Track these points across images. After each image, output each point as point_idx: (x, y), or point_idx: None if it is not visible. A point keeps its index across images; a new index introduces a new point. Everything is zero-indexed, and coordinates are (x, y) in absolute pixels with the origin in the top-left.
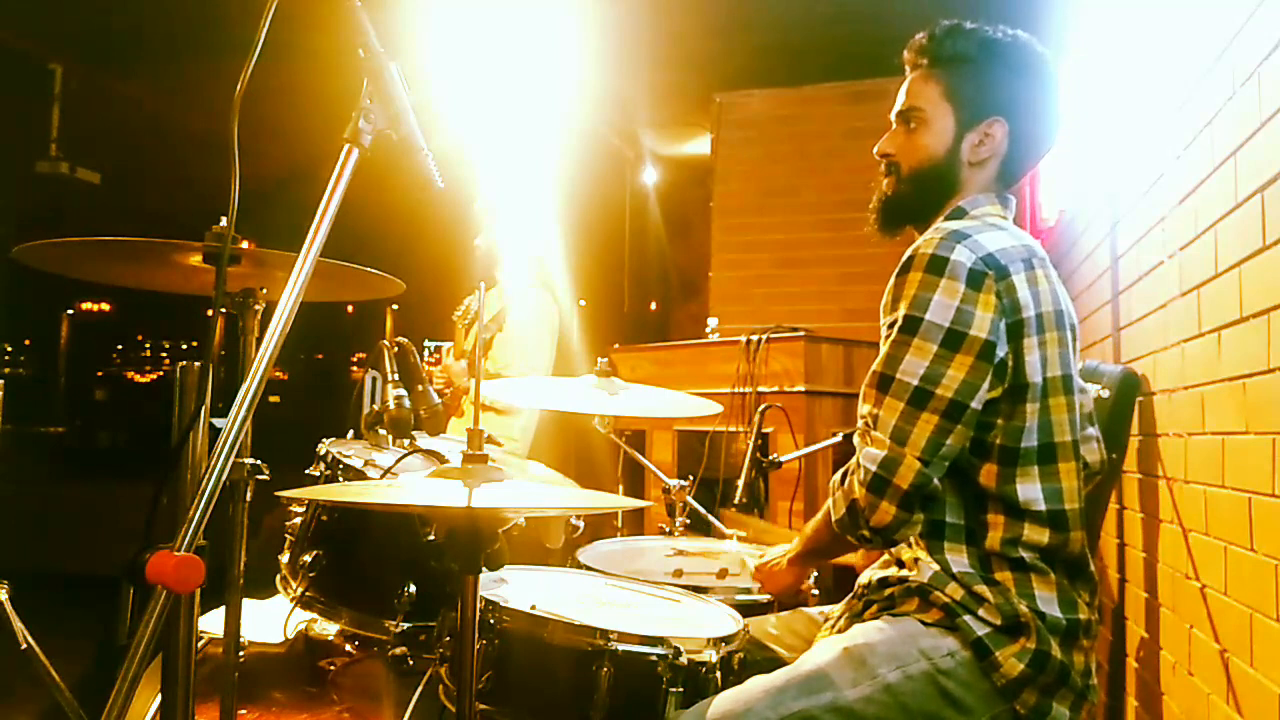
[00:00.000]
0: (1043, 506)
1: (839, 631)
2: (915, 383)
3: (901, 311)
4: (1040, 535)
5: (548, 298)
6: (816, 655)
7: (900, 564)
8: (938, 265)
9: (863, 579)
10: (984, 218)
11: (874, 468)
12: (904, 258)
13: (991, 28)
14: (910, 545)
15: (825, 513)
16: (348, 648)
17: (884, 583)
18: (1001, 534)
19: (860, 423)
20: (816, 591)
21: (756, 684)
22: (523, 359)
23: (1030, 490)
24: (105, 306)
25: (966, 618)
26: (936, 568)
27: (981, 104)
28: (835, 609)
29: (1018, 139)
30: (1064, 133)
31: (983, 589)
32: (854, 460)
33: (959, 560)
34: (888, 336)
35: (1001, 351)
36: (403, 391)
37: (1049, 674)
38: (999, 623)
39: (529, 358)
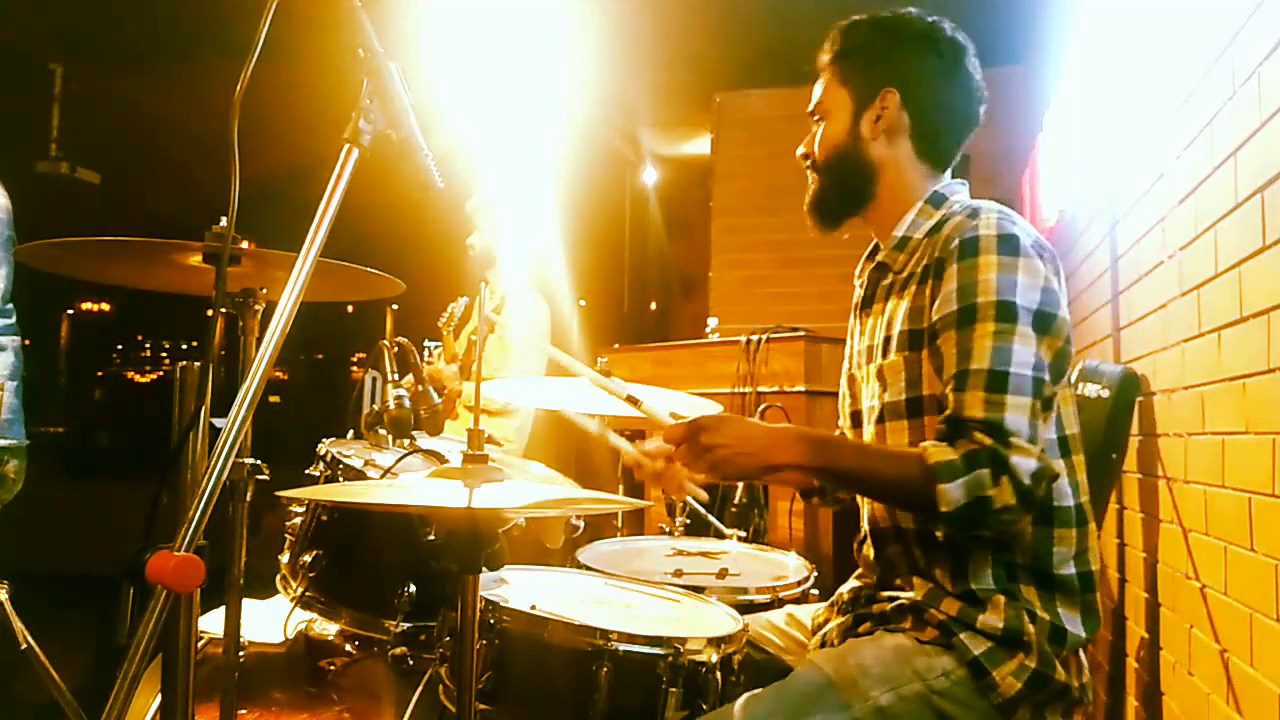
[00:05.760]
0: (1069, 501)
1: (831, 644)
2: (1029, 373)
3: (990, 298)
4: (1069, 535)
5: (540, 299)
6: (807, 675)
7: (888, 584)
8: (1011, 244)
9: (845, 589)
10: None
11: (1029, 482)
12: (959, 241)
13: (890, 10)
14: (904, 569)
15: (901, 473)
16: (348, 648)
17: (872, 599)
18: (1033, 545)
19: (968, 427)
20: (816, 591)
21: (744, 706)
22: (516, 360)
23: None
24: (105, 306)
25: (962, 635)
26: (930, 585)
27: (872, 79)
28: (821, 613)
29: (919, 108)
30: (978, 105)
31: (998, 598)
32: (982, 459)
33: (982, 578)
34: (966, 326)
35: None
36: (403, 391)
37: (1047, 694)
38: (1000, 632)
39: (522, 359)
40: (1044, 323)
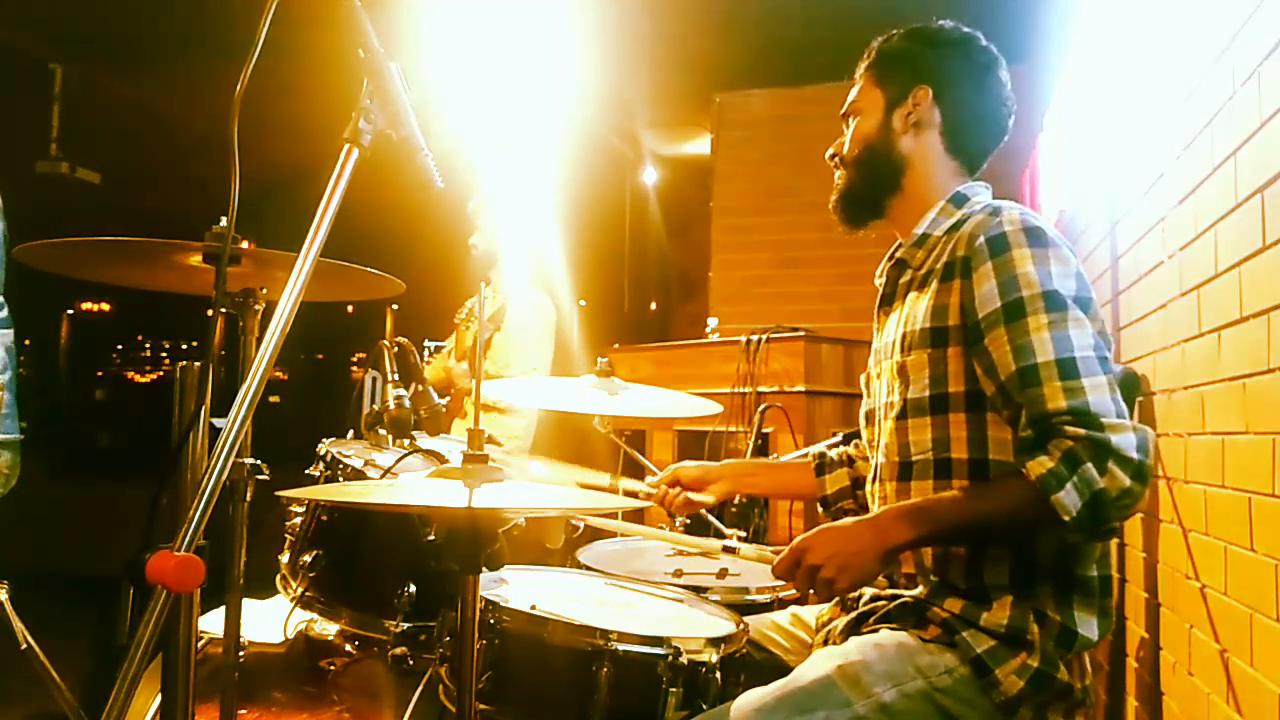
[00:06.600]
0: None
1: (835, 642)
2: (1094, 354)
3: (1034, 290)
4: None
5: (545, 297)
6: (810, 671)
7: (891, 581)
8: (1039, 237)
9: None
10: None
11: (1138, 455)
12: (985, 239)
13: (923, 22)
14: (910, 565)
15: (1009, 502)
16: (348, 648)
17: (875, 596)
18: (1060, 544)
19: (1056, 423)
20: (815, 591)
21: (747, 701)
22: (522, 359)
23: None
24: (105, 306)
25: (965, 633)
26: (935, 582)
27: (906, 78)
28: (825, 612)
29: (950, 106)
30: (1007, 115)
31: (1006, 597)
32: (1081, 454)
33: (997, 575)
34: (1016, 321)
35: None
36: (403, 391)
37: (1049, 693)
38: (1003, 630)
39: (528, 357)
40: (1084, 306)
